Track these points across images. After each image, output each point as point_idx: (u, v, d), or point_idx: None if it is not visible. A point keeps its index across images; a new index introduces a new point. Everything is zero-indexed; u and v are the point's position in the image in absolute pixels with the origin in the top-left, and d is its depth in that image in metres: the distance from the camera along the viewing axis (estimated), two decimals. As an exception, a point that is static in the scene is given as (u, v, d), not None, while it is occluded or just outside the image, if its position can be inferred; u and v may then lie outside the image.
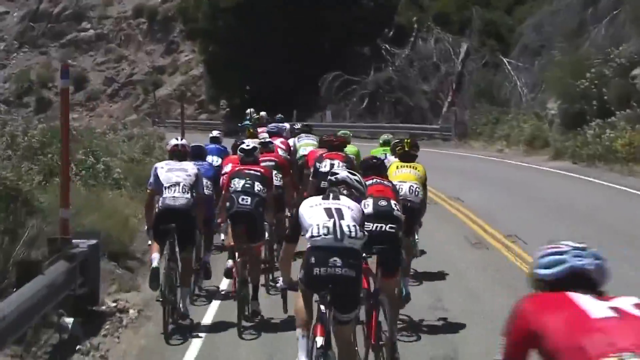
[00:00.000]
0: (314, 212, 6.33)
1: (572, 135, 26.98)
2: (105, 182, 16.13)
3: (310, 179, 11.09)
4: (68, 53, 61.38)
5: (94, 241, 9.22)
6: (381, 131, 32.72)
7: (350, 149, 12.86)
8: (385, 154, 11.85)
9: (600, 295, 3.24)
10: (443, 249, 13.33)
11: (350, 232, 6.11)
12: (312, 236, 6.16)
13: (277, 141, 13.75)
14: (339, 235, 6.07)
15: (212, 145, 13.45)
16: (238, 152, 10.36)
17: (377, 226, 7.35)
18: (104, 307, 9.38)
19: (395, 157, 10.47)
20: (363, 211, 6.76)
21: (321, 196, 6.64)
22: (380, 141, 13.49)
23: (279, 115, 21.28)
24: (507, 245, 13.42)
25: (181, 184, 9.00)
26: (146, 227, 9.84)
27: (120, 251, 11.71)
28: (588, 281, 3.30)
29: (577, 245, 3.44)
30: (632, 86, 25.77)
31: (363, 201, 7.04)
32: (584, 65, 27.37)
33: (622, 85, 25.88)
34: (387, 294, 7.38)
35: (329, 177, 7.17)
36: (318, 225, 6.16)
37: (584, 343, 2.96)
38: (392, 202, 7.71)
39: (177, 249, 9.15)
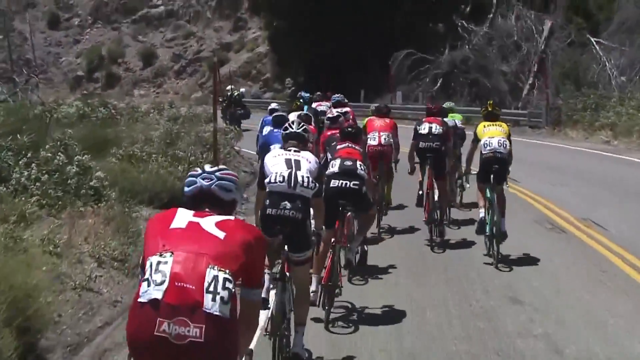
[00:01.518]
0: (276, 162, 6.59)
1: None
2: (78, 192, 9.83)
3: (412, 140, 11.14)
4: (139, 29, 55.84)
5: None
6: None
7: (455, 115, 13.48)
8: (455, 120, 12.77)
9: (219, 211, 3.77)
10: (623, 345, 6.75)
11: (303, 182, 6.42)
12: (269, 182, 6.50)
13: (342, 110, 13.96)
14: (292, 184, 6.40)
15: (270, 117, 12.79)
16: (325, 120, 11.36)
17: (342, 182, 7.89)
18: None
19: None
20: (320, 164, 7.13)
21: (282, 149, 6.91)
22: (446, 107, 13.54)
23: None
24: None
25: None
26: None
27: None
28: (213, 198, 3.85)
29: (212, 169, 3.95)
30: None
31: (331, 161, 8.17)
32: None
33: None
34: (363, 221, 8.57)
35: (284, 132, 7.08)
36: (277, 173, 6.45)
37: (149, 245, 3.60)
38: (358, 162, 8.05)
39: None
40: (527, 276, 9.01)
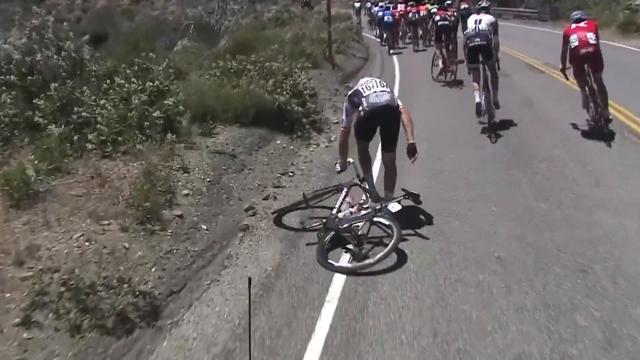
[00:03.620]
0: (470, 21, 9.91)
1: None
2: (141, 124, 7.06)
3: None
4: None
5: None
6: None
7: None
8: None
9: (583, 21, 8.36)
10: None
11: (483, 28, 9.51)
12: (466, 33, 9.79)
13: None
14: (478, 30, 9.60)
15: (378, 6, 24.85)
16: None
17: (477, 40, 9.79)
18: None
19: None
20: (495, 20, 10.34)
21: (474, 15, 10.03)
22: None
23: None
24: None
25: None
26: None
27: None
28: (581, 19, 8.45)
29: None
30: None
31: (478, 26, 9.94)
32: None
33: None
34: (491, 73, 9.95)
35: (477, 5, 11.22)
36: (469, 27, 9.80)
37: (570, 35, 8.45)
38: (485, 24, 9.97)
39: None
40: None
